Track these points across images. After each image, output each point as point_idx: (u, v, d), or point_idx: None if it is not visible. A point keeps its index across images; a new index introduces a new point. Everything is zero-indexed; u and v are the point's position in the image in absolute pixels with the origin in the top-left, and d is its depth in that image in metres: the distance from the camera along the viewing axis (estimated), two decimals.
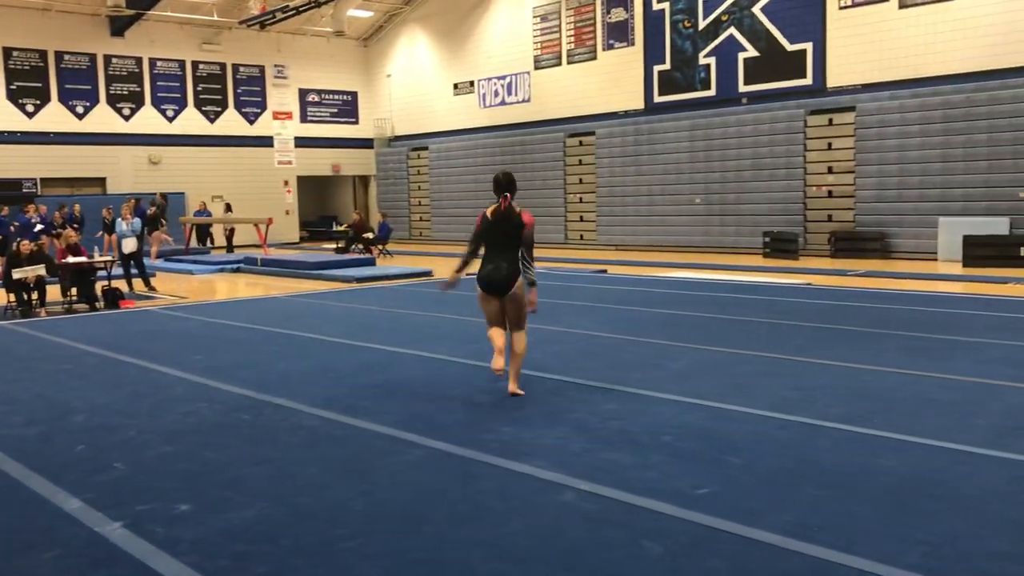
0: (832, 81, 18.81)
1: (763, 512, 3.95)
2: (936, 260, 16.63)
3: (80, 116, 24.92)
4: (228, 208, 24.74)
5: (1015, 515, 3.87)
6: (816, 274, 15.09)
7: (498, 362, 6.14)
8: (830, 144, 18.77)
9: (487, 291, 6.25)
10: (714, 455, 4.83)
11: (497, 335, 6.32)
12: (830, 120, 18.70)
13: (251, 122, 28.21)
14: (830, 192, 18.86)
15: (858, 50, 18.25)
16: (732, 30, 20.21)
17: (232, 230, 23.83)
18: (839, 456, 4.76)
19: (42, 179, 24.26)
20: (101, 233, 19.70)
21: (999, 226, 15.95)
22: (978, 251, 15.56)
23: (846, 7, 18.36)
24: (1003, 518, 3.84)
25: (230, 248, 23.42)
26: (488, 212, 6.29)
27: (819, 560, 3.45)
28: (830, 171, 18.83)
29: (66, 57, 24.59)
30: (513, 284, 6.17)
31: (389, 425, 5.58)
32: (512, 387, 6.36)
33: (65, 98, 24.63)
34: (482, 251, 6.35)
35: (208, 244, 23.97)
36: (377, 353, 8.28)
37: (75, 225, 17.55)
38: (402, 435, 5.35)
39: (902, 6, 17.52)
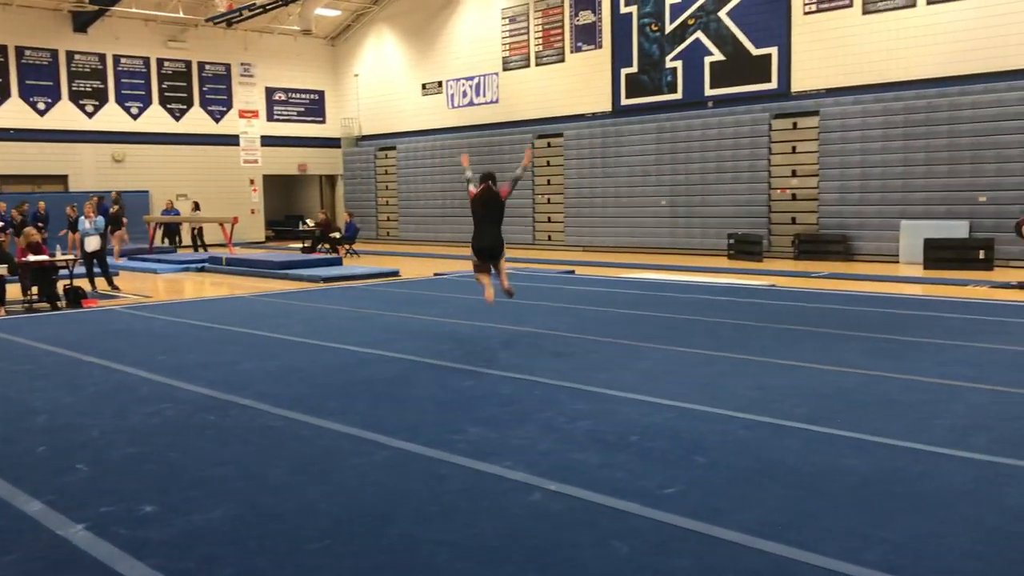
0: (796, 85, 19.02)
1: (729, 511, 3.99)
2: (897, 262, 16.87)
3: (41, 112, 24.52)
4: (196, 207, 24.49)
5: (975, 513, 3.94)
6: (780, 276, 15.24)
7: (489, 294, 8.56)
8: (794, 148, 18.98)
9: (482, 258, 8.52)
10: (680, 455, 4.87)
11: (484, 278, 8.64)
12: (794, 124, 18.91)
13: (217, 120, 27.93)
14: (794, 195, 19.06)
15: (822, 55, 18.48)
16: (699, 34, 20.37)
17: (200, 229, 23.58)
18: (803, 456, 4.81)
19: (2, 176, 23.85)
20: (65, 231, 19.42)
21: (959, 229, 16.22)
22: (939, 254, 15.79)
23: (811, 12, 18.58)
24: (964, 517, 3.91)
25: (200, 247, 23.17)
26: (477, 193, 8.39)
27: (783, 558, 3.49)
28: (794, 174, 19.04)
29: (27, 52, 24.17)
30: (501, 251, 8.51)
31: (356, 426, 5.56)
32: (505, 284, 8.63)
33: (26, 94, 24.21)
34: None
35: (176, 243, 23.69)
36: (343, 353, 8.24)
37: (39, 224, 17.25)
38: (369, 436, 5.33)
39: (865, 12, 17.77)
